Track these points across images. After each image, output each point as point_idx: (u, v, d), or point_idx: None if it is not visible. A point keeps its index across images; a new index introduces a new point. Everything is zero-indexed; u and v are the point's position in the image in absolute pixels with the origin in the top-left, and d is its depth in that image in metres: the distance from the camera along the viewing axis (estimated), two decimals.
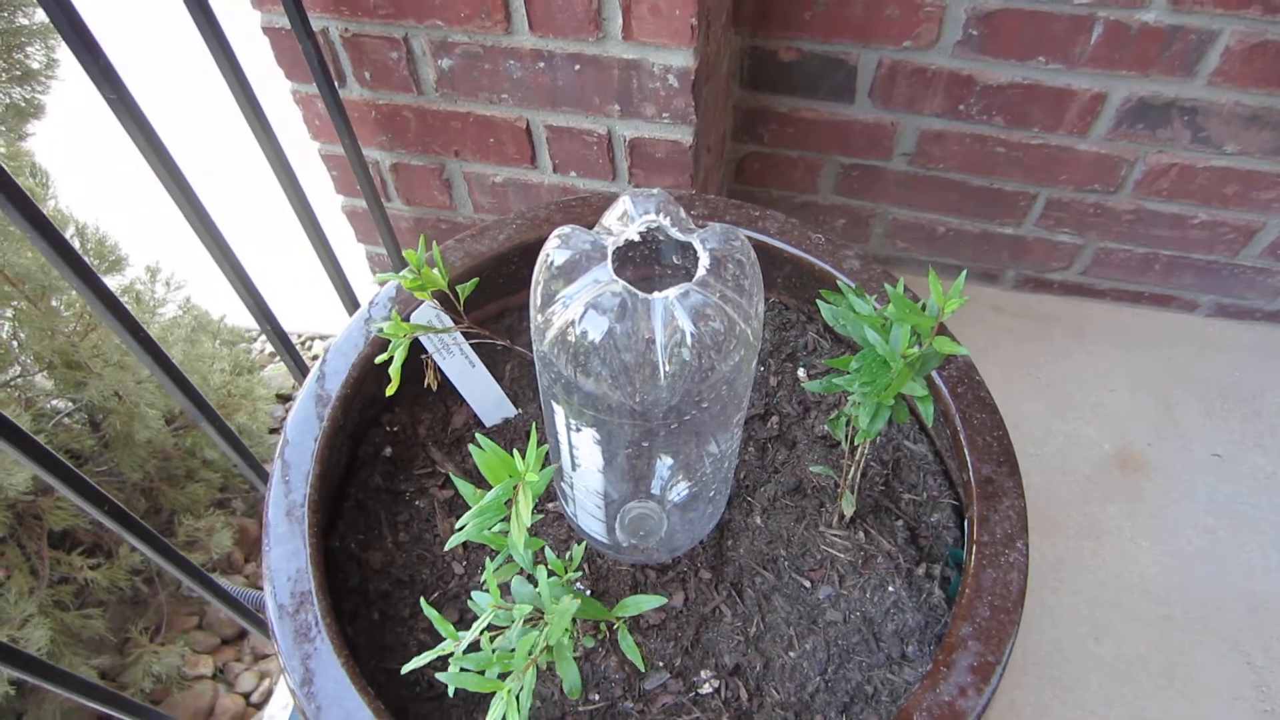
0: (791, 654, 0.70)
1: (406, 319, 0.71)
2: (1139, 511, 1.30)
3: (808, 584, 0.74)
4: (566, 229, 0.55)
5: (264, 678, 1.50)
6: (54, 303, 1.32)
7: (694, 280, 0.52)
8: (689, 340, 0.51)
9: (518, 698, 0.45)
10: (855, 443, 0.70)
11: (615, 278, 0.52)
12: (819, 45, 1.21)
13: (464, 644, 0.47)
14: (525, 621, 0.47)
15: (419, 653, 0.57)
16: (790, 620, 0.72)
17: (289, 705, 1.19)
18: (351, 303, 1.23)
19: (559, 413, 0.58)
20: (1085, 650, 1.18)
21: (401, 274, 0.65)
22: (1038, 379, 1.45)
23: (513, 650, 0.46)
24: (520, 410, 0.85)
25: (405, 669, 0.51)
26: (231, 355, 1.63)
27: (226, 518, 1.54)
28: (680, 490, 0.67)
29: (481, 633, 0.47)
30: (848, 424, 0.69)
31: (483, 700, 0.69)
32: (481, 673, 0.46)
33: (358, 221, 1.35)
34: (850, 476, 0.73)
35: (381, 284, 0.74)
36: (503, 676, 0.46)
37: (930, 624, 0.71)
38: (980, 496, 0.70)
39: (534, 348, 0.57)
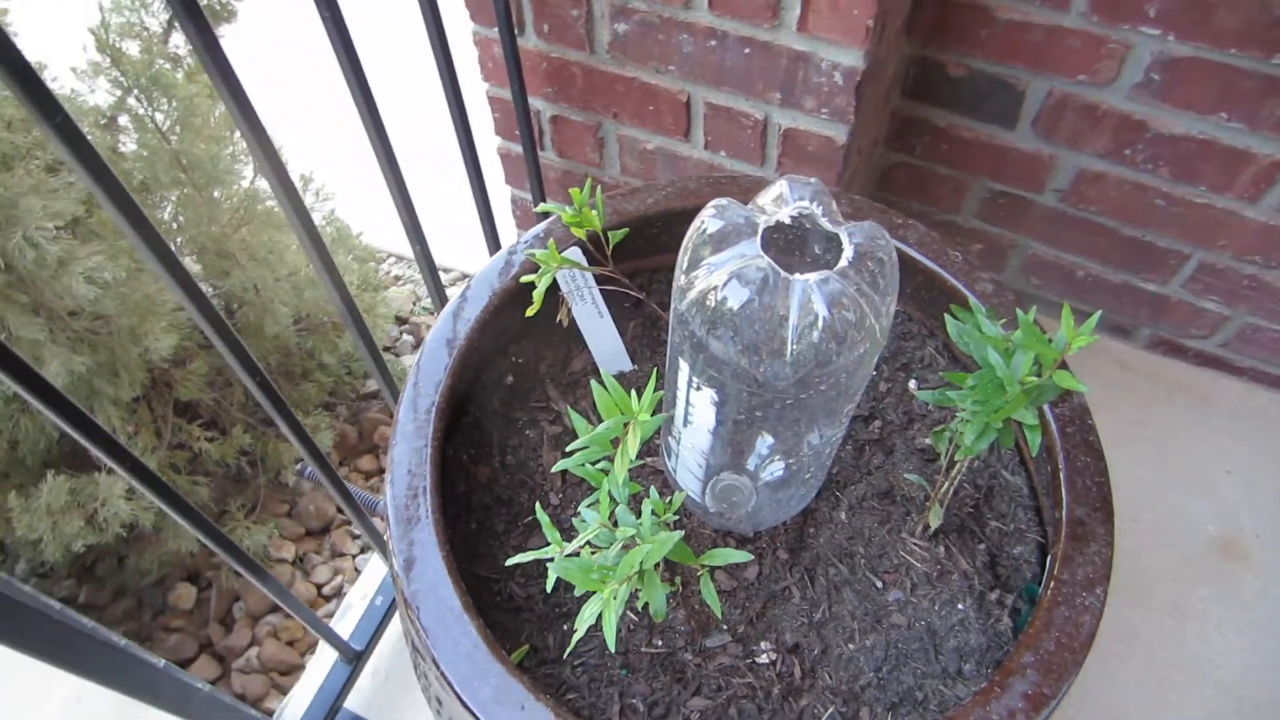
0: (850, 645, 0.73)
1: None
2: (1232, 601, 1.25)
3: (879, 584, 0.76)
4: (724, 201, 0.59)
5: (338, 574, 1.61)
6: (215, 193, 1.43)
7: (835, 269, 0.55)
8: (821, 324, 0.54)
9: (615, 598, 0.49)
10: (955, 459, 0.71)
11: (762, 253, 0.55)
12: (990, 65, 1.20)
13: (566, 551, 0.52)
14: (622, 547, 0.51)
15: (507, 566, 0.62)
16: (855, 614, 0.74)
17: (367, 596, 1.28)
18: (494, 240, 1.29)
19: (683, 369, 0.62)
20: None
21: (564, 209, 0.70)
22: (1152, 444, 1.40)
23: (612, 566, 0.50)
24: (636, 366, 0.90)
25: (510, 561, 0.56)
26: (361, 271, 1.73)
27: (331, 420, 1.65)
28: (775, 469, 0.70)
29: (583, 546, 0.51)
30: (951, 439, 0.70)
31: (554, 622, 0.74)
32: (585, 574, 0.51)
33: (510, 165, 1.41)
34: (942, 491, 0.75)
35: (542, 215, 0.80)
36: None
37: (992, 649, 0.72)
38: (1069, 536, 0.71)
39: (672, 305, 0.61)
